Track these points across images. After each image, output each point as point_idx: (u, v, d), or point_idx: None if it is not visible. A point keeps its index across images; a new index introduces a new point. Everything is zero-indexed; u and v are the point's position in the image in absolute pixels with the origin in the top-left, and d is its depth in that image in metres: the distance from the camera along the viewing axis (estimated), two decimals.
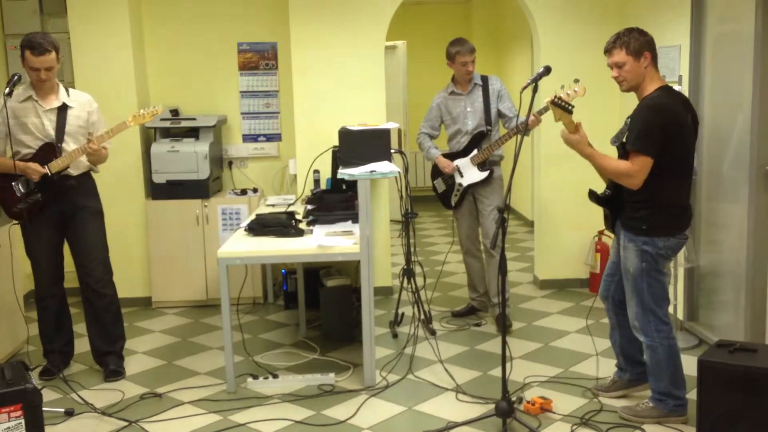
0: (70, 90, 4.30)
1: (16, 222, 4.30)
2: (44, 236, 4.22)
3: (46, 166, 4.08)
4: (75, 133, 4.22)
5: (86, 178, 4.34)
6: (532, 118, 4.50)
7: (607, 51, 3.46)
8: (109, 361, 4.38)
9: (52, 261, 4.29)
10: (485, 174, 4.95)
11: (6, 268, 4.60)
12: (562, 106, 3.48)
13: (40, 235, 4.21)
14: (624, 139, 3.44)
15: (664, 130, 3.29)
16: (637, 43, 3.37)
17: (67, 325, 4.46)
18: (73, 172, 4.22)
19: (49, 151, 4.13)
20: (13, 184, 4.10)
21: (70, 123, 4.19)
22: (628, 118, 3.47)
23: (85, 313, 4.43)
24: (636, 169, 3.32)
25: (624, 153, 3.44)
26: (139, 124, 4.16)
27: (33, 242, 4.23)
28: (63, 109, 4.18)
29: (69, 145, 4.18)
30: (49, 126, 4.14)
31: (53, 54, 4.03)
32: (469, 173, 4.98)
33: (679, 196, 3.43)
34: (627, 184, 3.38)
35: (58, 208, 4.21)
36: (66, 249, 4.36)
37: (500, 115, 5.01)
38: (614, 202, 3.55)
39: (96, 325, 4.39)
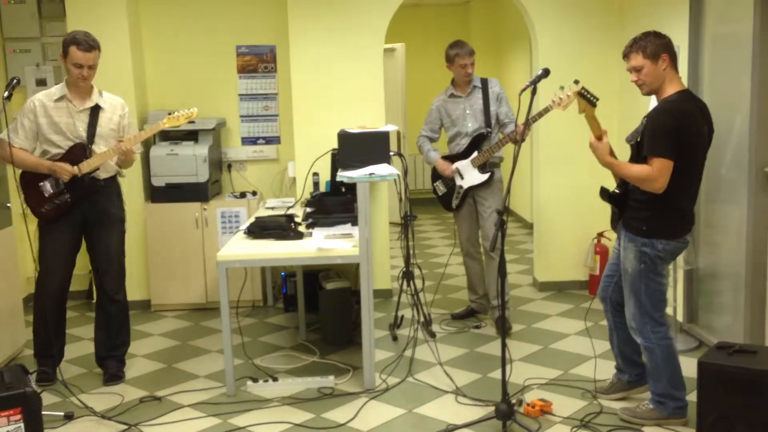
0: (104, 93, 4.27)
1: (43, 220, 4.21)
2: (64, 239, 4.19)
3: (76, 167, 4.07)
4: (106, 135, 4.19)
5: (113, 182, 4.31)
6: (519, 128, 4.48)
7: (625, 56, 3.46)
8: (109, 366, 4.37)
9: (65, 265, 4.25)
10: (486, 176, 4.94)
11: (5, 272, 4.60)
12: (587, 98, 3.47)
13: (60, 238, 4.17)
14: (639, 139, 3.44)
15: (678, 133, 3.28)
16: (653, 46, 3.36)
17: (63, 330, 4.43)
18: (102, 174, 4.20)
19: (79, 151, 4.10)
20: (41, 184, 4.09)
21: (102, 125, 4.16)
22: (644, 118, 3.46)
23: (96, 317, 4.42)
24: (656, 174, 3.30)
25: (638, 152, 3.44)
26: (174, 126, 4.26)
27: (50, 244, 4.18)
28: (95, 111, 4.16)
29: (99, 147, 4.16)
30: (81, 127, 4.12)
31: (97, 52, 4.05)
32: (470, 175, 4.98)
33: (682, 201, 3.43)
34: (651, 189, 3.35)
35: (83, 212, 4.18)
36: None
37: (496, 118, 5.01)
38: (623, 201, 3.55)
39: (103, 330, 4.38)
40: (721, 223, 4.45)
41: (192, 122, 5.57)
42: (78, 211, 4.17)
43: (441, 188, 5.14)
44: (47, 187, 4.09)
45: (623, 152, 3.59)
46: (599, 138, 3.53)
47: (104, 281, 4.32)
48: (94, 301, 4.57)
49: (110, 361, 4.38)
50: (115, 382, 4.31)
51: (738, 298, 4.25)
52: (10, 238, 4.70)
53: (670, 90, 3.39)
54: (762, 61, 3.95)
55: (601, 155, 3.51)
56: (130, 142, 4.15)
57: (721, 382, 3.18)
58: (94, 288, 4.56)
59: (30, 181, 4.13)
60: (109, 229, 4.28)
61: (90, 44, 4.01)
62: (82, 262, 4.47)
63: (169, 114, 4.30)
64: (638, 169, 3.38)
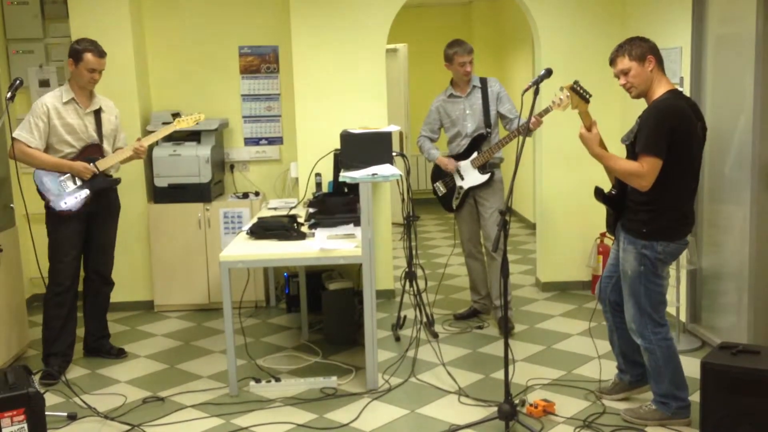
0: (98, 95, 4.54)
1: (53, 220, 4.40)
2: (77, 231, 4.43)
3: (93, 165, 4.37)
4: (108, 135, 4.55)
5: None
6: (533, 119, 4.51)
7: (612, 61, 3.47)
8: (108, 344, 4.75)
9: (77, 256, 4.49)
10: (486, 177, 4.94)
11: (9, 273, 4.61)
12: (580, 94, 3.46)
13: (74, 230, 4.42)
14: (634, 139, 3.43)
15: (673, 131, 3.28)
16: (639, 49, 3.38)
17: (73, 327, 4.53)
18: (112, 171, 4.57)
19: (93, 151, 4.43)
20: (59, 180, 4.33)
21: (105, 126, 4.51)
22: (639, 118, 3.46)
23: (85, 301, 4.68)
24: (645, 171, 3.30)
25: (633, 152, 3.43)
26: (184, 128, 4.65)
27: (66, 236, 4.39)
28: (98, 113, 4.48)
29: (105, 146, 4.51)
30: (91, 128, 4.43)
31: (106, 59, 4.42)
32: (470, 176, 4.98)
33: (681, 201, 3.42)
34: (637, 186, 3.36)
35: (91, 206, 4.43)
36: None
37: (501, 117, 5.00)
38: (619, 202, 3.54)
39: (96, 314, 4.71)
40: (725, 222, 4.44)
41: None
42: (88, 206, 4.41)
43: (441, 189, 5.14)
44: (67, 183, 4.35)
45: (621, 154, 3.58)
46: (589, 128, 3.52)
47: (102, 266, 4.65)
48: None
49: (104, 340, 4.74)
50: (124, 355, 4.73)
51: (741, 298, 4.25)
52: (13, 238, 4.71)
53: (660, 91, 3.40)
54: (765, 61, 3.95)
55: (591, 146, 3.48)
56: (147, 141, 4.55)
57: (725, 383, 3.17)
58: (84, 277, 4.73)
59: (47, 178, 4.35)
60: (111, 220, 4.67)
61: (102, 51, 4.39)
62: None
63: (178, 117, 4.66)
64: (626, 164, 3.38)
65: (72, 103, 4.37)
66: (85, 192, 4.37)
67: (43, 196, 4.35)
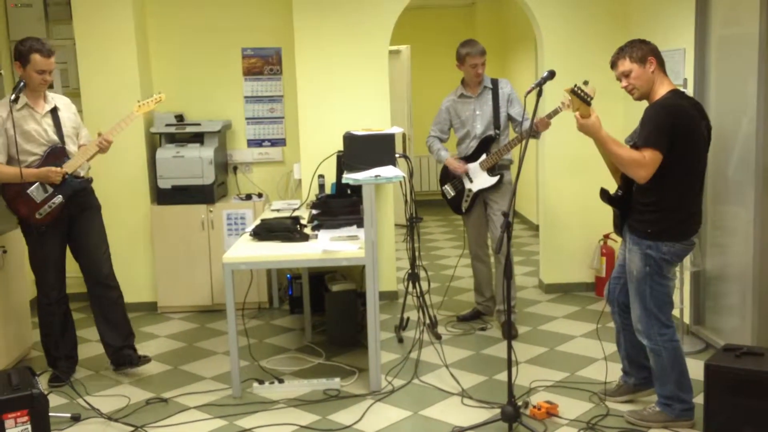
0: (49, 94, 4.30)
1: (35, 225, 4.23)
2: (56, 240, 4.26)
3: (62, 168, 4.13)
4: (71, 134, 4.32)
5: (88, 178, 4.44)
6: (542, 121, 4.53)
7: (613, 64, 3.48)
8: (130, 354, 4.45)
9: (60, 265, 4.34)
10: (495, 179, 4.92)
11: (12, 274, 4.62)
12: (581, 96, 3.46)
13: (52, 240, 4.23)
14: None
15: (675, 128, 3.28)
16: (639, 51, 3.39)
17: (71, 330, 4.49)
18: (81, 172, 4.29)
19: (59, 153, 4.18)
20: (28, 191, 4.09)
21: (65, 125, 4.26)
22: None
23: (94, 313, 4.46)
24: (647, 161, 3.30)
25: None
26: (145, 112, 4.40)
27: (43, 247, 4.21)
28: (54, 112, 4.24)
29: (69, 146, 4.26)
30: (50, 131, 4.19)
31: (54, 57, 4.13)
32: (479, 178, 4.96)
33: (687, 201, 3.42)
34: (636, 176, 3.35)
35: (68, 211, 4.24)
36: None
37: (510, 119, 4.99)
38: (625, 203, 3.54)
39: (107, 323, 4.43)
40: (728, 224, 4.43)
41: (198, 125, 5.64)
42: (64, 212, 4.22)
43: (450, 191, 5.13)
44: (37, 193, 4.11)
45: None
46: (589, 116, 3.44)
47: (98, 270, 4.38)
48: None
49: (126, 351, 4.44)
50: (147, 361, 4.47)
51: (745, 300, 4.24)
52: (17, 240, 4.71)
53: (662, 92, 3.40)
54: None
55: (596, 131, 3.41)
56: (110, 135, 4.24)
57: (728, 385, 3.17)
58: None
59: (15, 192, 4.12)
60: (94, 221, 4.39)
61: (50, 50, 4.08)
62: (76, 265, 4.47)
63: (139, 102, 4.42)
64: (629, 152, 3.37)
65: (26, 108, 4.11)
66: (59, 198, 4.13)
67: (14, 211, 4.16)
